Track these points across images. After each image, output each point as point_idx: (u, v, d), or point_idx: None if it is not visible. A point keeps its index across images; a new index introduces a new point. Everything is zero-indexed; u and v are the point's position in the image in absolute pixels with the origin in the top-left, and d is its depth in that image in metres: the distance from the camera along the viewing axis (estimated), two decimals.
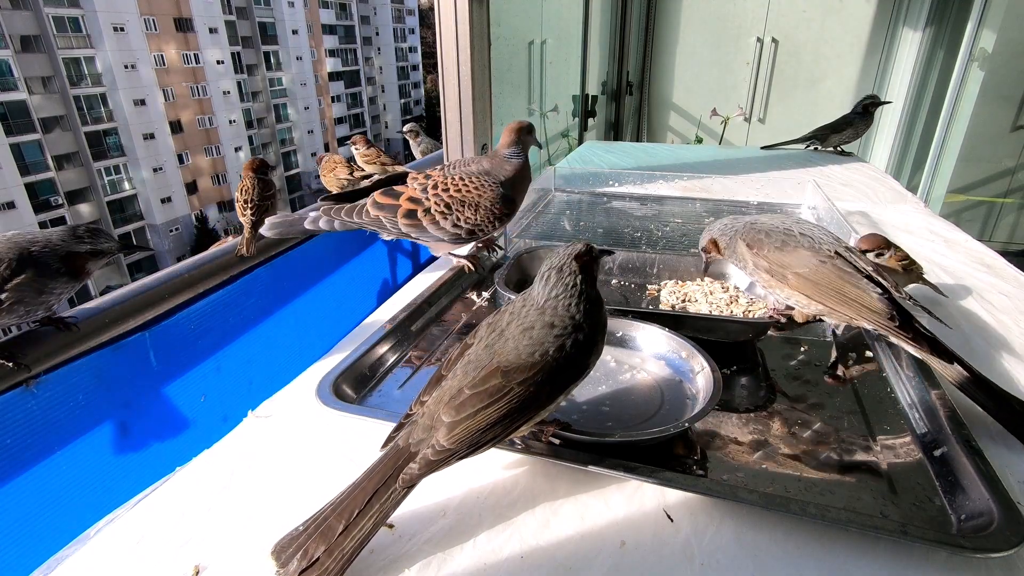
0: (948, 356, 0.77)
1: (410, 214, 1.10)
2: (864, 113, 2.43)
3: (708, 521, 0.63)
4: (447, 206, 1.09)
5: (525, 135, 1.18)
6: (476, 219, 1.09)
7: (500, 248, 1.37)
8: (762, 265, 0.90)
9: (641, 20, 4.10)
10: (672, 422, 0.74)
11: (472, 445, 0.59)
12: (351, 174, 1.72)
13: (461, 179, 1.12)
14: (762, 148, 2.70)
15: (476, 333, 0.68)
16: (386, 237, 1.15)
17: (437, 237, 1.11)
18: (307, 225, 1.13)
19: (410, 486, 0.59)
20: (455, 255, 1.28)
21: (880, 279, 0.83)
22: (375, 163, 1.82)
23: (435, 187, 1.11)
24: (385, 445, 0.64)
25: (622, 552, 0.60)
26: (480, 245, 1.33)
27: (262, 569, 0.59)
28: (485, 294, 1.22)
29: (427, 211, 1.09)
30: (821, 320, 0.91)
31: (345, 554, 0.55)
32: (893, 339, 0.80)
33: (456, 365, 0.65)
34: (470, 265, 1.27)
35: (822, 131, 2.54)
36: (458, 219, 1.09)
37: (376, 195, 1.14)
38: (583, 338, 0.65)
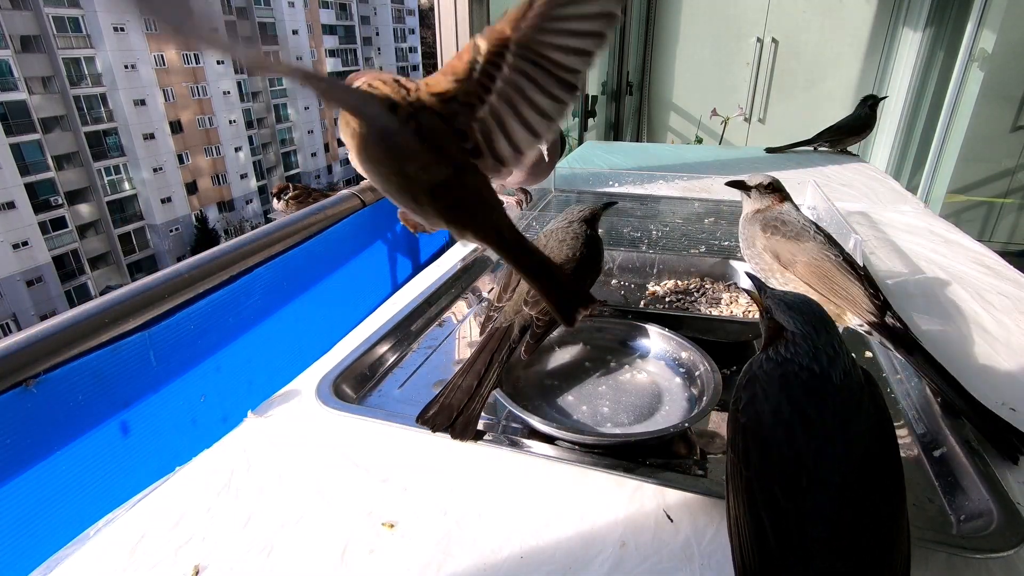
0: (936, 367, 0.78)
1: None
2: (871, 111, 2.35)
3: (708, 521, 0.63)
4: None
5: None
6: None
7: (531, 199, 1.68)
8: (772, 249, 0.94)
9: (641, 20, 4.10)
10: (672, 422, 0.74)
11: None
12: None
13: None
14: (767, 151, 2.52)
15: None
16: None
17: None
18: None
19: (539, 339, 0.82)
20: (509, 191, 1.55)
21: (872, 283, 0.87)
22: None
23: None
24: (482, 331, 0.85)
25: (622, 552, 0.60)
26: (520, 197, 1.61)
27: (262, 569, 0.59)
28: (485, 294, 1.22)
29: None
30: None
31: (483, 398, 0.73)
32: (876, 335, 0.83)
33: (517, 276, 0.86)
34: (515, 201, 1.50)
35: (835, 134, 2.39)
36: None
37: None
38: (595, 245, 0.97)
